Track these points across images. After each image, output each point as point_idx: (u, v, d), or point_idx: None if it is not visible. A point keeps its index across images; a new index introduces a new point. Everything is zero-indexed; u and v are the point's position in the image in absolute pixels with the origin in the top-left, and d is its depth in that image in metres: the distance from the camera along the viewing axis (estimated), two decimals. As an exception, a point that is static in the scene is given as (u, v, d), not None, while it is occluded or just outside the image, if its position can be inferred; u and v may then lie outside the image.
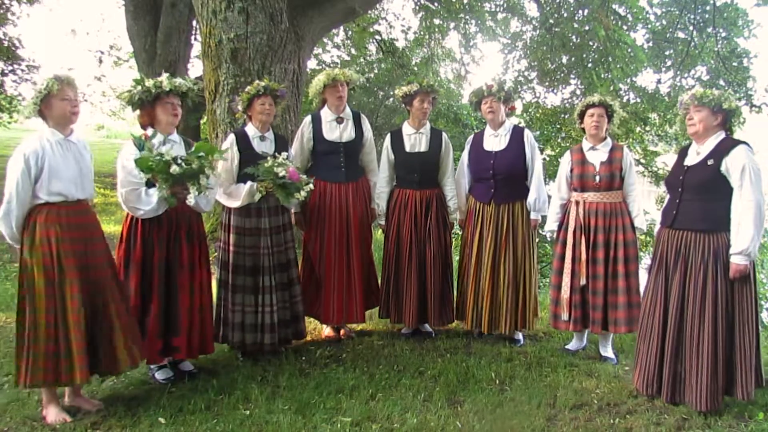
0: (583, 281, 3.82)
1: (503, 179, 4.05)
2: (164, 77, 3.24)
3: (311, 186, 3.58)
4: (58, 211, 2.84)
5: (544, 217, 4.17)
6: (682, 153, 3.34)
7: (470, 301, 4.14)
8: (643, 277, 3.74)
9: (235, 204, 3.65)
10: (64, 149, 2.88)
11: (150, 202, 3.14)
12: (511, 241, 4.04)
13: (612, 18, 9.49)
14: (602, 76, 9.93)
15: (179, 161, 3.03)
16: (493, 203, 4.07)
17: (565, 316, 3.90)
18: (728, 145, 3.08)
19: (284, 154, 3.60)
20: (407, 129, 4.22)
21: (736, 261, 2.99)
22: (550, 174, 8.36)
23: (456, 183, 4.26)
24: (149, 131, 3.27)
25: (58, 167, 2.83)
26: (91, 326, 2.90)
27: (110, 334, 2.95)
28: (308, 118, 4.13)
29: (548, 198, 4.15)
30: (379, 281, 4.34)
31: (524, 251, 4.06)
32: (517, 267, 4.06)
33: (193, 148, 3.22)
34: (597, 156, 3.86)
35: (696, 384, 3.04)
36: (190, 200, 3.13)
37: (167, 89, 3.22)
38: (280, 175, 3.40)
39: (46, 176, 2.80)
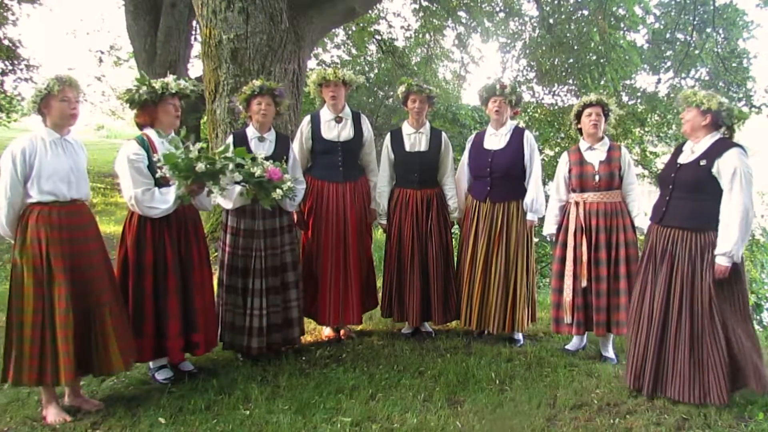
0: (584, 283, 3.78)
1: (500, 177, 4.05)
2: (170, 78, 3.26)
3: (290, 184, 3.41)
4: (50, 212, 2.82)
5: (541, 219, 4.15)
6: (677, 150, 3.36)
7: (464, 299, 4.15)
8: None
9: (228, 205, 3.66)
10: (59, 148, 2.88)
11: (167, 200, 3.13)
12: (504, 240, 4.02)
13: (609, 20, 9.47)
14: (597, 77, 9.91)
15: (203, 160, 3.02)
16: (489, 201, 4.07)
17: (568, 319, 3.86)
18: (722, 147, 3.10)
19: (262, 154, 3.49)
20: (407, 129, 4.23)
21: (719, 261, 3.05)
22: (549, 174, 8.35)
23: (456, 182, 4.26)
24: (148, 130, 3.27)
25: (49, 166, 2.81)
26: (83, 328, 2.89)
27: (103, 336, 2.94)
28: (307, 118, 4.13)
29: (546, 199, 4.12)
30: (381, 281, 4.34)
31: (517, 251, 4.04)
32: (509, 266, 4.04)
33: (221, 148, 3.20)
34: (596, 156, 3.84)
35: (671, 378, 3.14)
36: (214, 197, 3.16)
37: (173, 91, 3.23)
38: (257, 174, 3.32)
39: (36, 175, 2.79)
